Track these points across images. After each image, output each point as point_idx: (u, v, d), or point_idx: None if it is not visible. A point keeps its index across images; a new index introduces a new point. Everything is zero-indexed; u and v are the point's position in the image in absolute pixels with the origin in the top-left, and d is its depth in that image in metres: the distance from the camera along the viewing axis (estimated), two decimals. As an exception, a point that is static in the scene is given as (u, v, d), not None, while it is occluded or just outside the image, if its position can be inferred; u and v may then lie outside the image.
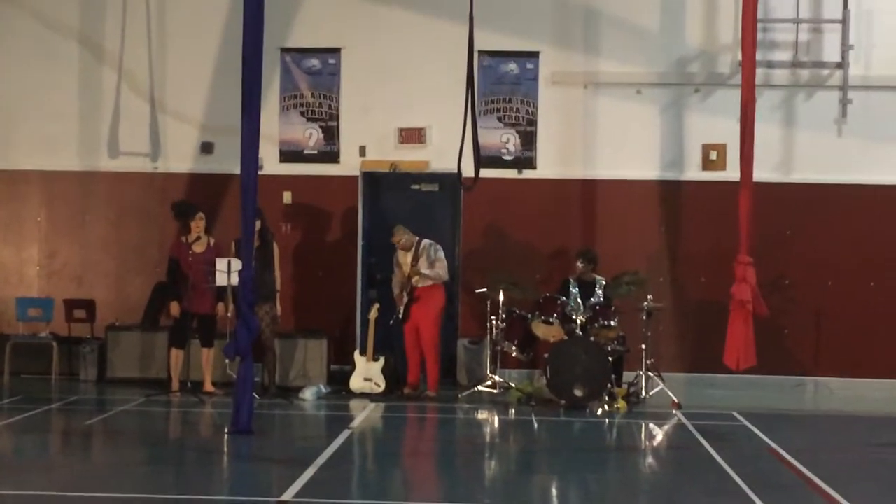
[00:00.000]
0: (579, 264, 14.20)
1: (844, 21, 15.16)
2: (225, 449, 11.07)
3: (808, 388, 15.07)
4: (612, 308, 13.85)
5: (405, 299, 14.04)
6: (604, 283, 14.20)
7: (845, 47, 15.15)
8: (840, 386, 14.97)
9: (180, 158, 15.66)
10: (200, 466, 10.44)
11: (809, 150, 15.25)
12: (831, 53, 15.28)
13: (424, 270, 13.95)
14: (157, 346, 14.54)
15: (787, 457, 10.88)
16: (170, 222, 14.87)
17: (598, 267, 14.27)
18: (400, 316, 14.06)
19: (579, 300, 13.95)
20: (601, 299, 13.97)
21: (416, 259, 14.05)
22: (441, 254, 14.14)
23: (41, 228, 15.77)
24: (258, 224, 13.53)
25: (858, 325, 15.06)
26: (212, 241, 13.91)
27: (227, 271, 12.84)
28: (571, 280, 14.19)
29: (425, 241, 14.17)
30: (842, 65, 15.20)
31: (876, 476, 10.46)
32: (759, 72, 14.41)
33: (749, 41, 13.62)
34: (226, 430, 11.44)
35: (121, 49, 15.66)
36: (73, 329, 15.14)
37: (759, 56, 14.20)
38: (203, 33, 15.51)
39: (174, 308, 13.78)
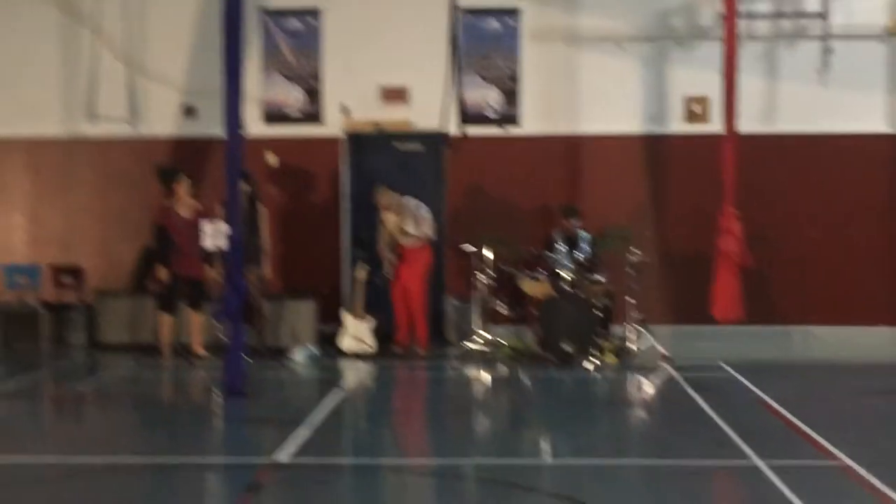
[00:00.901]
0: (566, 221, 14.22)
1: (825, -30, 15.19)
2: (217, 411, 11.12)
3: (794, 338, 15.18)
4: (600, 262, 13.92)
5: (392, 258, 14.08)
6: (588, 237, 14.24)
7: (826, -4, 15.19)
8: (826, 334, 15.09)
9: (163, 123, 15.62)
10: (193, 429, 10.49)
11: (792, 101, 15.29)
12: (812, 3, 15.28)
13: (410, 230, 13.98)
14: (146, 312, 14.52)
15: (775, 405, 11.00)
16: (155, 187, 14.84)
17: (583, 221, 14.31)
18: (387, 275, 14.10)
19: (566, 256, 13.99)
20: (587, 254, 14.03)
21: (401, 218, 14.06)
22: (426, 213, 14.17)
23: (26, 196, 15.73)
24: (246, 187, 13.56)
25: (843, 273, 15.17)
26: (198, 206, 13.89)
27: (213, 234, 12.80)
28: (557, 236, 14.23)
29: (410, 201, 14.19)
30: (823, 14, 15.21)
31: (862, 423, 10.59)
32: (741, 23, 14.41)
33: (730, -7, 13.61)
34: (217, 393, 11.49)
35: (99, 13, 15.55)
36: (61, 295, 15.14)
37: (740, 8, 14.21)
38: (183, -4, 15.45)
39: (162, 273, 13.78)
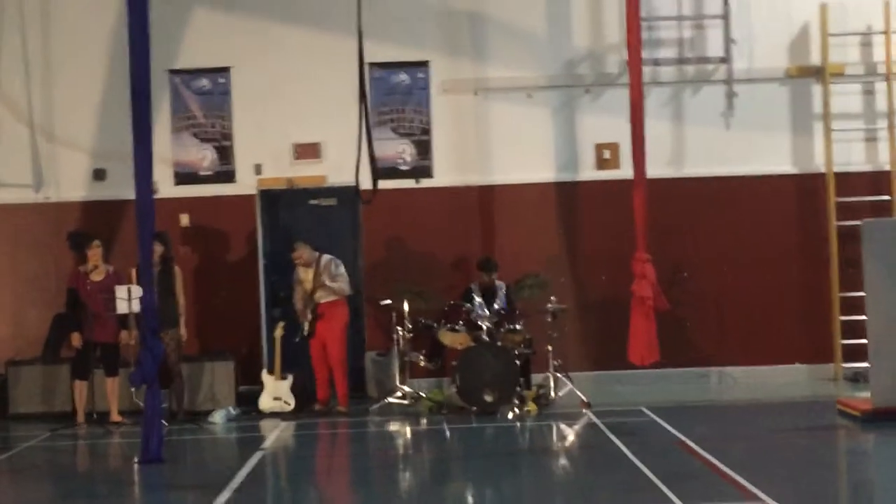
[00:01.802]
0: (483, 273, 14.25)
1: (726, 16, 15.46)
2: (136, 479, 10.93)
3: (712, 379, 15.31)
4: (517, 312, 13.97)
5: (309, 315, 14.01)
6: (504, 287, 14.30)
7: (728, 42, 15.45)
8: (743, 374, 15.23)
9: (73, 186, 15.42)
10: (112, 499, 10.29)
11: (699, 144, 15.51)
12: (715, 48, 15.57)
13: (328, 283, 13.93)
14: (60, 379, 14.25)
15: (696, 447, 11.08)
16: (66, 252, 14.65)
17: (499, 272, 14.36)
18: (305, 332, 14.02)
19: (484, 306, 14.02)
20: (504, 304, 14.08)
21: (317, 275, 14.02)
22: (342, 269, 14.15)
23: (-68, 266, 15.43)
24: (161, 249, 13.43)
25: (756, 313, 15.35)
26: (110, 269, 13.72)
27: (127, 298, 12.67)
28: (474, 287, 14.26)
29: (325, 257, 14.16)
30: (726, 59, 15.49)
31: (781, 461, 10.70)
32: (647, 69, 14.65)
33: (634, 40, 13.83)
34: (136, 460, 11.30)
35: (3, 77, 15.38)
36: (-28, 366, 14.83)
37: (645, 54, 14.45)
38: (88, 59, 15.29)
39: (75, 339, 13.56)
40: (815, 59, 15.48)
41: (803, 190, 15.47)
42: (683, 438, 11.55)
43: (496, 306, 14.01)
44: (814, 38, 15.49)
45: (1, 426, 14.09)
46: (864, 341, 12.99)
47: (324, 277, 13.98)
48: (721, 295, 15.34)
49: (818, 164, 15.43)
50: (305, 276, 14.12)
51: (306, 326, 14.02)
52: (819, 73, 15.42)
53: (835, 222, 15.20)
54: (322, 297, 13.96)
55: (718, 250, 15.36)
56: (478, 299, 14.10)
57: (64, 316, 14.05)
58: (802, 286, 15.43)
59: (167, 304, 13.36)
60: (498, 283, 14.30)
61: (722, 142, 15.49)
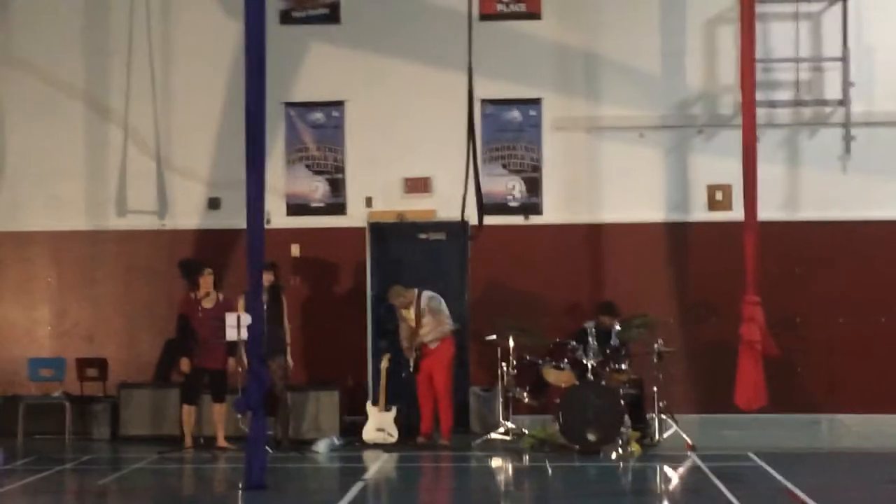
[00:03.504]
0: (603, 317, 14.09)
1: (844, 59, 15.24)
2: (239, 504, 11.05)
3: (822, 426, 14.99)
4: (624, 352, 13.83)
5: (414, 354, 14.04)
6: (618, 328, 14.16)
7: (846, 84, 15.23)
8: (855, 422, 14.90)
9: (188, 215, 15.75)
10: (214, 523, 10.41)
11: (814, 188, 15.28)
12: (833, 91, 15.35)
13: (428, 330, 13.93)
14: (170, 403, 14.54)
15: (804, 496, 10.82)
16: (178, 279, 14.95)
17: (619, 318, 14.17)
18: (412, 369, 14.07)
19: (595, 346, 13.86)
20: (618, 344, 13.93)
21: (418, 314, 14.01)
22: (442, 305, 14.13)
23: (51, 288, 15.84)
24: (271, 278, 13.60)
25: (870, 360, 15.01)
26: (220, 297, 13.94)
27: (236, 326, 12.84)
28: (588, 327, 14.13)
29: (424, 295, 14.14)
30: (843, 102, 15.26)
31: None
32: (762, 111, 14.48)
33: (748, 82, 13.68)
34: (240, 486, 11.41)
35: (125, 107, 15.80)
36: (86, 388, 15.17)
37: (760, 96, 14.30)
38: (207, 90, 15.65)
39: (185, 364, 13.79)
40: (936, 103, 15.19)
41: (920, 236, 15.15)
42: (791, 486, 11.29)
43: (607, 346, 13.83)
44: (935, 82, 15.21)
45: (111, 447, 14.40)
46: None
47: (426, 320, 13.96)
48: (833, 341, 15.03)
49: (937, 210, 15.11)
50: (408, 314, 14.15)
51: (412, 363, 14.06)
52: (940, 118, 15.13)
53: (953, 270, 14.85)
54: (427, 337, 13.99)
55: (831, 296, 15.07)
56: (591, 340, 13.94)
57: (175, 341, 14.32)
58: (918, 334, 15.07)
59: (275, 332, 13.51)
60: (616, 327, 14.14)
61: (838, 186, 15.23)
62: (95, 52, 15.85)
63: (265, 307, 12.57)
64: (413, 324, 14.08)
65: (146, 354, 15.39)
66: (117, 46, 15.82)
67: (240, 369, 13.24)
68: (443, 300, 14.19)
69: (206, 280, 13.91)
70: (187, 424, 13.86)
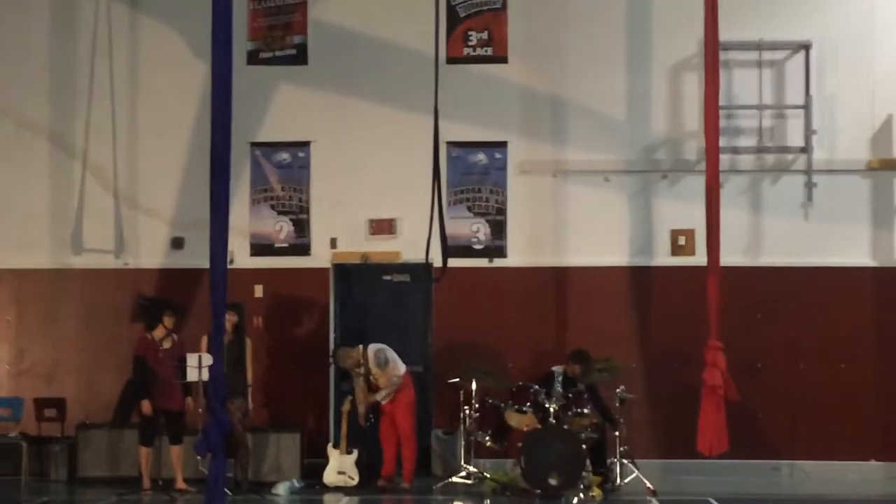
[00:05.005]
0: (573, 364, 14.02)
1: (807, 106, 15.38)
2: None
3: (783, 472, 15.00)
4: (586, 396, 13.81)
5: (371, 416, 13.93)
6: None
7: (808, 132, 15.36)
8: (815, 469, 14.91)
9: (151, 254, 15.66)
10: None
11: (776, 234, 15.37)
12: (795, 138, 15.47)
13: (380, 396, 13.86)
14: (128, 444, 14.38)
15: (763, 542, 10.84)
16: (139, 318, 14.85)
17: (588, 367, 14.11)
18: (370, 422, 13.94)
19: (559, 390, 13.83)
20: (581, 388, 13.89)
21: (368, 372, 13.87)
22: (388, 354, 13.92)
23: (10, 327, 15.68)
24: (234, 318, 13.53)
25: (832, 407, 15.05)
26: (175, 337, 13.84)
27: (198, 366, 12.78)
28: (557, 371, 14.09)
29: (370, 350, 13.96)
30: (806, 149, 15.39)
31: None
32: (725, 157, 14.58)
33: (711, 128, 13.75)
34: (197, 528, 11.31)
35: (86, 145, 15.72)
36: (44, 428, 14.97)
37: (724, 142, 14.40)
38: (173, 129, 15.61)
39: (146, 406, 13.65)
40: (897, 152, 15.35)
41: (882, 283, 15.24)
42: (751, 532, 11.31)
43: (571, 391, 13.78)
44: (897, 132, 15.36)
45: (68, 489, 14.23)
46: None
47: (377, 373, 13.80)
48: (795, 387, 15.07)
49: (898, 258, 15.23)
50: (358, 379, 13.99)
51: (363, 421, 13.95)
52: (901, 167, 15.28)
53: (913, 317, 14.95)
54: (379, 396, 13.91)
55: (793, 341, 15.13)
56: (558, 385, 13.89)
57: (134, 382, 14.18)
58: (879, 381, 15.12)
59: (236, 373, 13.44)
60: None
61: (800, 232, 15.33)
62: (61, 90, 15.80)
63: (227, 348, 12.48)
64: (365, 386, 13.94)
65: (106, 394, 15.23)
66: (83, 85, 15.77)
67: (200, 410, 13.13)
68: (387, 349, 14.01)
69: (170, 321, 13.82)
70: (144, 466, 13.72)
